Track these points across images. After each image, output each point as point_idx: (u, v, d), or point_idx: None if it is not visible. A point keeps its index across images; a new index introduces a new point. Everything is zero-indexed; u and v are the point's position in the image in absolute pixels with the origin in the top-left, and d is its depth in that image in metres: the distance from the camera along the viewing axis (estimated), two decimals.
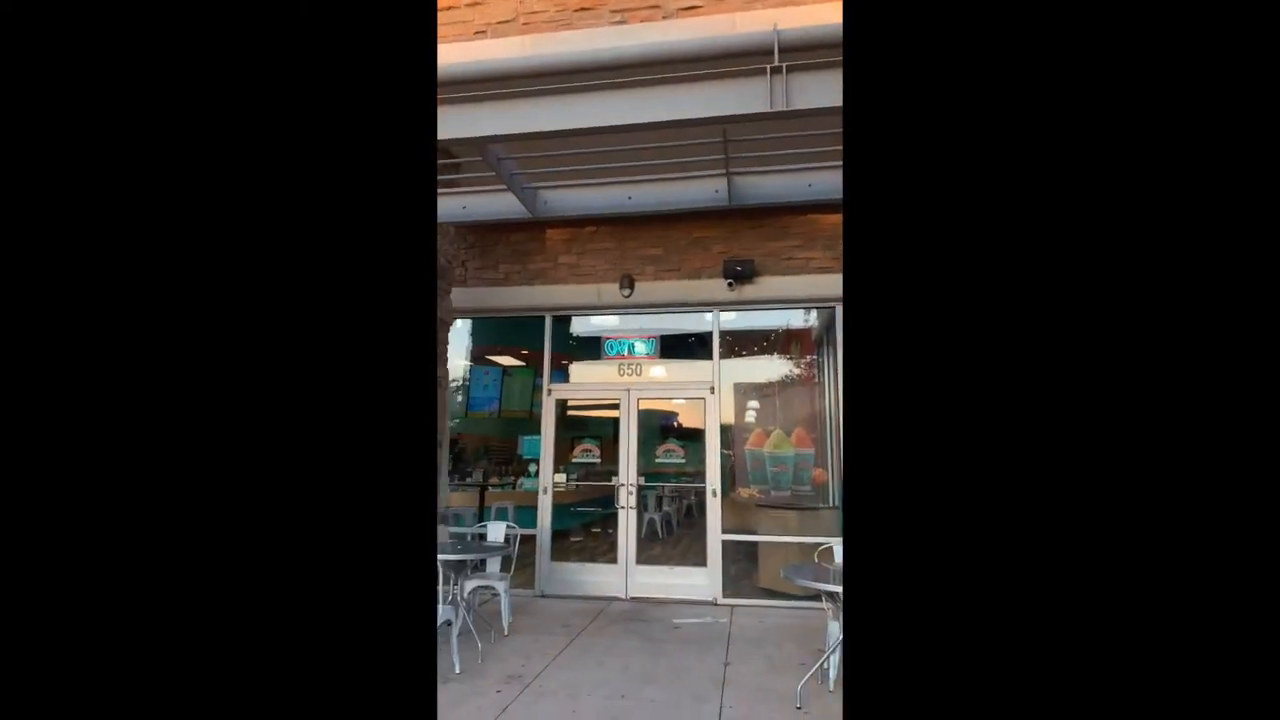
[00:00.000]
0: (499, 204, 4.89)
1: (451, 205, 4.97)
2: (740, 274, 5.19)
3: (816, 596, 4.69)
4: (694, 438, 5.62)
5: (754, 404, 5.60)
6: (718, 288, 5.31)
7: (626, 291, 5.47)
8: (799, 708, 3.03)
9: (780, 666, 3.59)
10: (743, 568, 5.33)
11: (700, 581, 5.13)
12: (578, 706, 3.04)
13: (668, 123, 3.32)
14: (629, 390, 5.60)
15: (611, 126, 3.37)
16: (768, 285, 5.25)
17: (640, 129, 3.41)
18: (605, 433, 5.77)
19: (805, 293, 5.21)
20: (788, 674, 3.43)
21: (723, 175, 4.57)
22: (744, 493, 5.40)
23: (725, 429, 5.42)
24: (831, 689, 3.24)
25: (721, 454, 5.32)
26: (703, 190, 4.74)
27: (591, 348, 5.83)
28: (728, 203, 4.74)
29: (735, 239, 5.49)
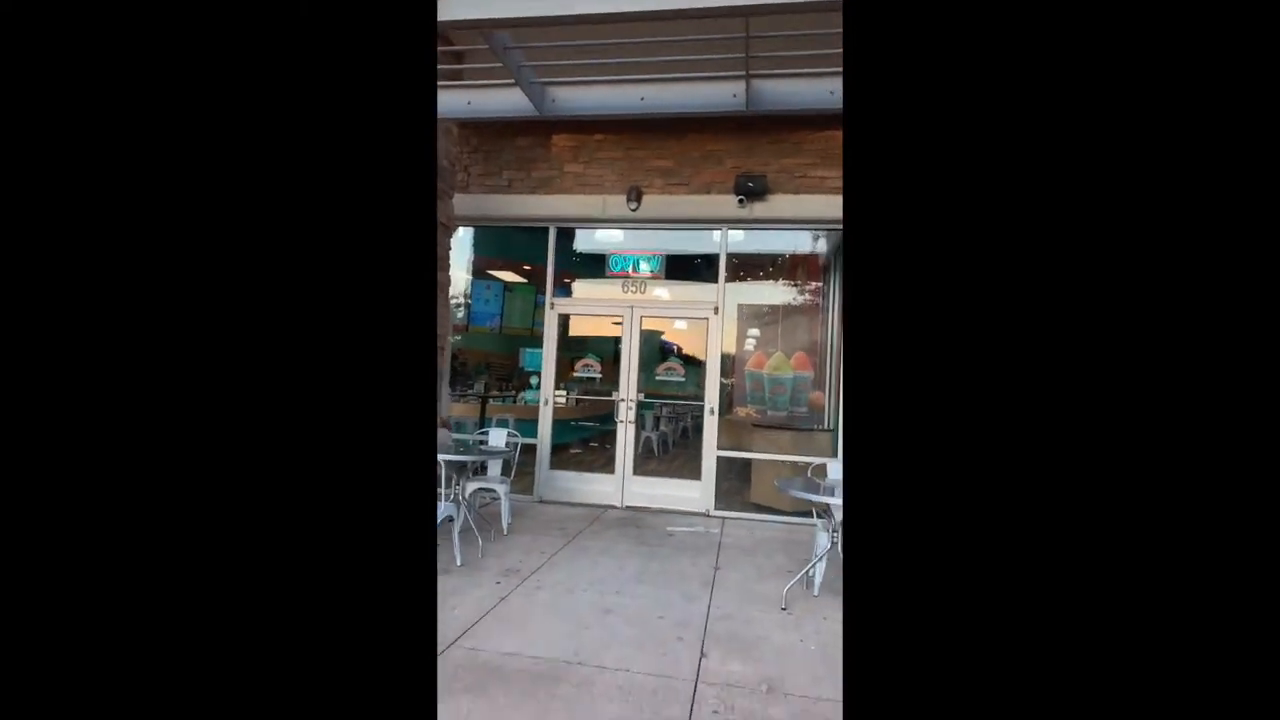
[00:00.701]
0: (506, 100, 4.65)
1: (455, 100, 4.73)
2: (752, 190, 5.03)
3: (807, 512, 4.84)
4: (695, 358, 5.63)
5: (756, 327, 5.57)
6: (728, 204, 5.16)
7: (634, 205, 5.31)
8: (784, 609, 3.18)
9: (768, 574, 3.74)
10: (735, 484, 5.48)
11: (694, 494, 5.29)
12: (573, 599, 3.18)
13: (688, 11, 3.10)
14: (632, 308, 5.55)
15: (627, 13, 3.15)
16: (779, 204, 5.10)
17: (659, 16, 3.19)
18: (607, 350, 5.78)
19: (817, 213, 5.06)
20: (775, 580, 3.58)
21: (742, 78, 4.33)
22: (741, 412, 5.47)
23: (726, 351, 5.42)
24: (816, 594, 3.40)
25: (721, 377, 5.34)
26: (720, 94, 4.50)
27: (595, 264, 5.74)
28: (745, 108, 4.51)
29: (749, 154, 5.29)
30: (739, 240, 5.50)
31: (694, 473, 5.37)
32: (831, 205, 5.02)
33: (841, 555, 3.37)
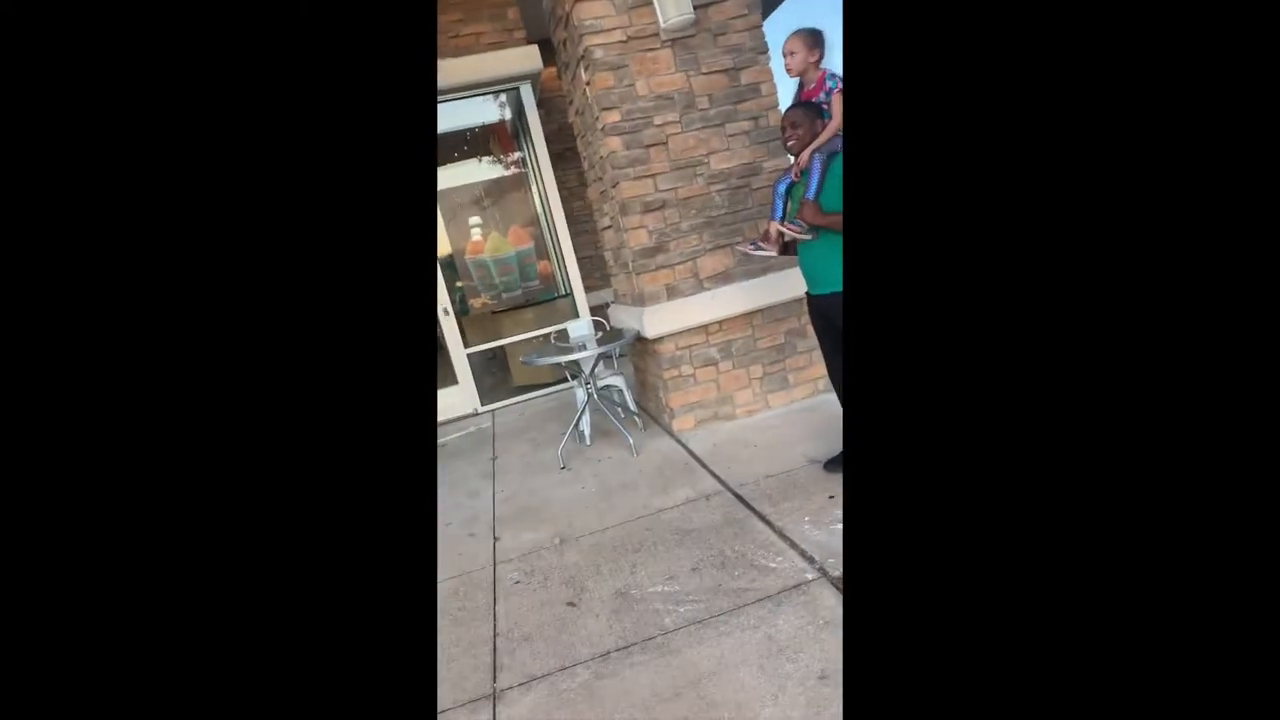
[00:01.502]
0: None
1: None
2: None
3: (565, 378, 5.04)
4: None
5: (466, 209, 5.27)
6: None
7: None
8: (563, 468, 3.34)
9: (543, 444, 3.88)
10: (497, 375, 5.43)
11: (456, 400, 5.14)
12: None
13: None
14: None
15: None
16: (442, 69, 4.64)
17: None
18: None
19: (485, 74, 4.72)
20: (550, 447, 3.72)
21: None
22: (477, 303, 5.30)
23: (442, 244, 5.07)
24: (589, 444, 3.62)
25: (448, 272, 5.03)
26: None
27: None
28: None
29: None
30: None
31: (450, 379, 5.18)
32: (495, 64, 4.72)
33: (601, 402, 3.59)
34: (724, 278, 3.38)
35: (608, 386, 3.83)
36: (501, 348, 5.34)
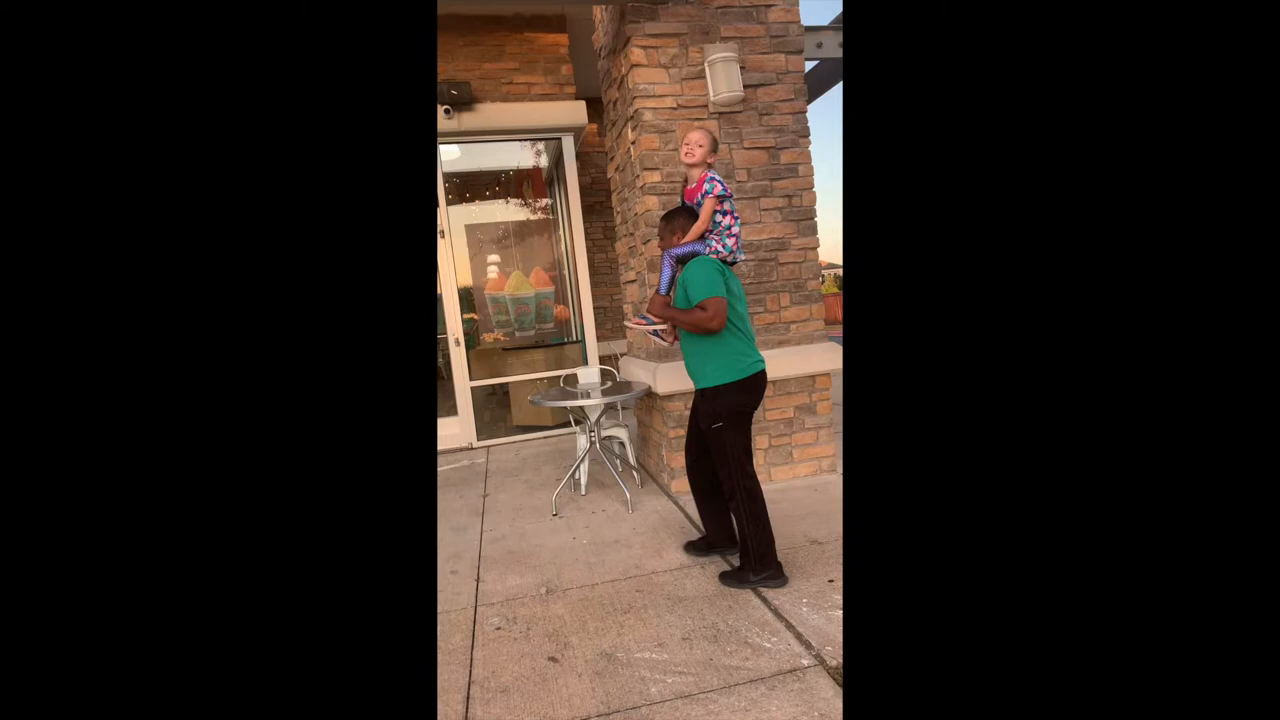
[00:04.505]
0: None
1: None
2: (457, 99, 4.65)
3: (567, 423, 4.99)
4: None
5: (490, 250, 5.35)
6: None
7: None
8: (555, 515, 3.26)
9: (537, 487, 3.80)
10: (496, 412, 5.39)
11: (454, 430, 5.08)
12: None
13: None
14: None
15: None
16: (490, 113, 4.82)
17: None
18: None
19: (531, 122, 4.90)
20: (544, 491, 3.65)
21: None
22: (488, 337, 5.31)
23: (462, 278, 5.13)
24: (584, 493, 3.55)
25: (462, 305, 5.07)
26: None
27: None
28: None
29: (447, 58, 4.84)
30: (456, 157, 5.12)
31: (450, 410, 5.13)
32: (543, 113, 4.90)
33: (601, 453, 3.54)
34: None
35: (610, 437, 3.79)
36: (505, 385, 5.32)
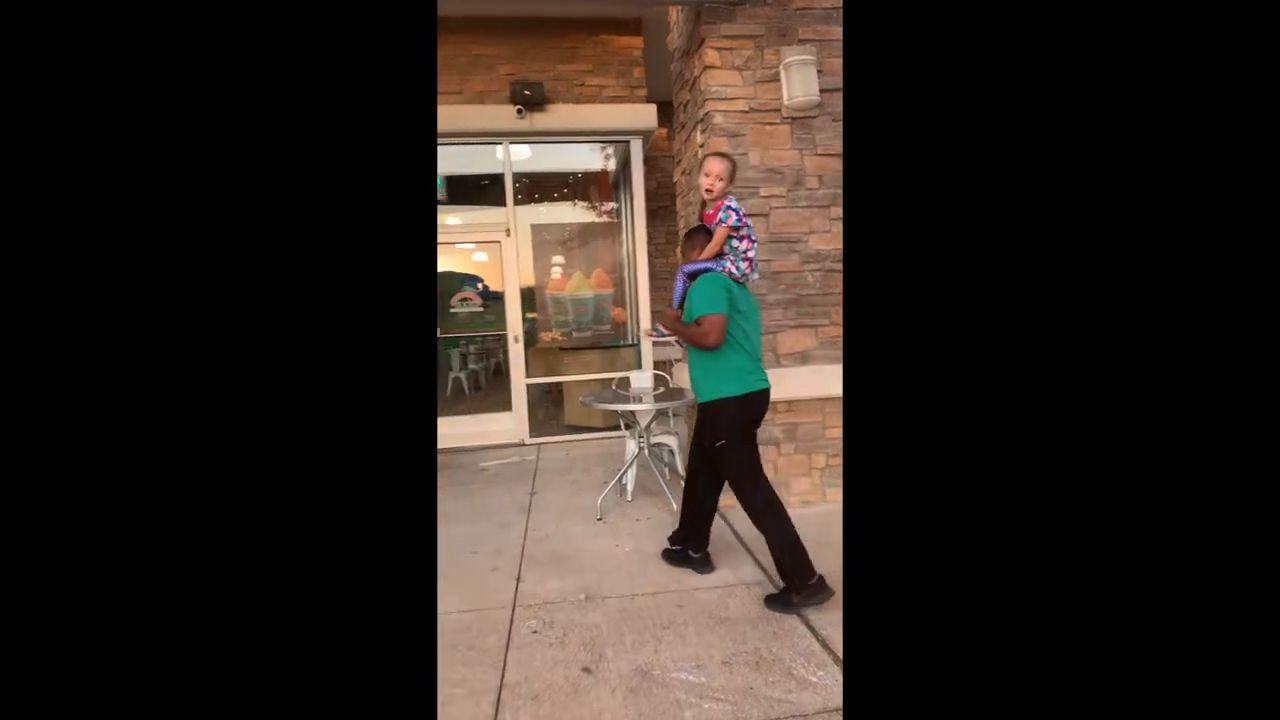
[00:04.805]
0: None
1: None
2: (530, 99, 4.70)
3: (618, 426, 4.96)
4: (494, 283, 5.32)
5: (554, 250, 5.39)
6: (505, 115, 4.79)
7: None
8: (599, 519, 3.22)
9: (584, 488, 3.77)
10: (549, 410, 5.42)
11: (507, 426, 5.13)
12: None
13: None
14: None
15: None
16: (561, 114, 4.85)
17: None
18: None
19: (601, 123, 4.91)
20: (591, 494, 3.62)
21: None
22: (547, 337, 5.34)
23: (524, 276, 5.19)
24: (630, 499, 3.50)
25: (523, 304, 5.13)
26: None
27: None
28: None
29: (522, 59, 4.91)
30: (525, 157, 5.19)
31: (505, 405, 5.19)
32: (613, 115, 4.90)
33: (650, 459, 3.49)
34: (802, 358, 3.27)
35: (659, 444, 3.72)
36: (559, 384, 5.34)
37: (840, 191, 3.26)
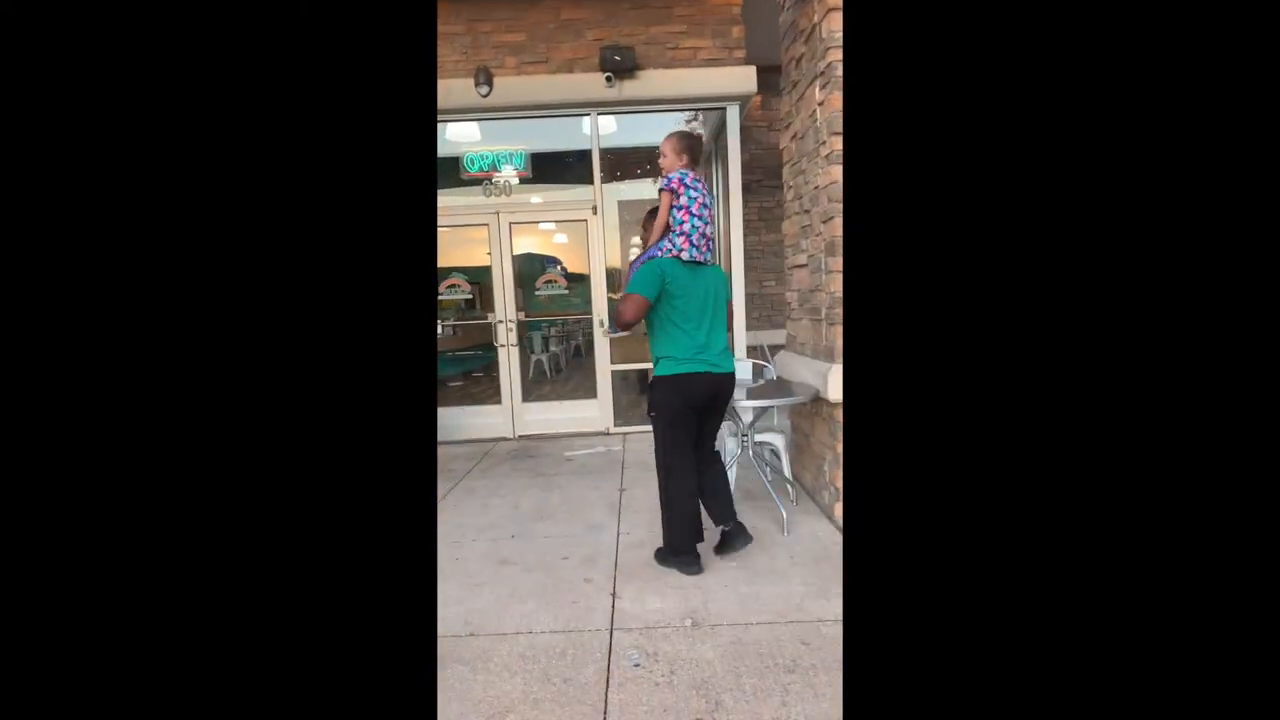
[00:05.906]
0: None
1: None
2: (620, 65, 4.38)
3: None
4: (577, 265, 5.08)
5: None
6: (594, 84, 4.49)
7: (484, 89, 4.50)
8: None
9: None
10: (634, 398, 5.16)
11: (591, 413, 4.92)
12: (461, 554, 2.74)
13: None
14: (498, 213, 4.85)
15: None
16: (652, 80, 4.51)
17: None
18: (475, 267, 5.08)
19: (695, 89, 4.53)
20: None
21: None
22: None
23: (611, 256, 4.91)
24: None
25: (609, 285, 4.86)
26: None
27: (448, 168, 4.91)
28: None
29: (612, 22, 4.58)
30: (612, 130, 4.88)
31: (589, 391, 4.98)
32: (708, 80, 4.50)
33: (752, 459, 3.14)
34: None
35: (762, 443, 3.37)
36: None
37: None
